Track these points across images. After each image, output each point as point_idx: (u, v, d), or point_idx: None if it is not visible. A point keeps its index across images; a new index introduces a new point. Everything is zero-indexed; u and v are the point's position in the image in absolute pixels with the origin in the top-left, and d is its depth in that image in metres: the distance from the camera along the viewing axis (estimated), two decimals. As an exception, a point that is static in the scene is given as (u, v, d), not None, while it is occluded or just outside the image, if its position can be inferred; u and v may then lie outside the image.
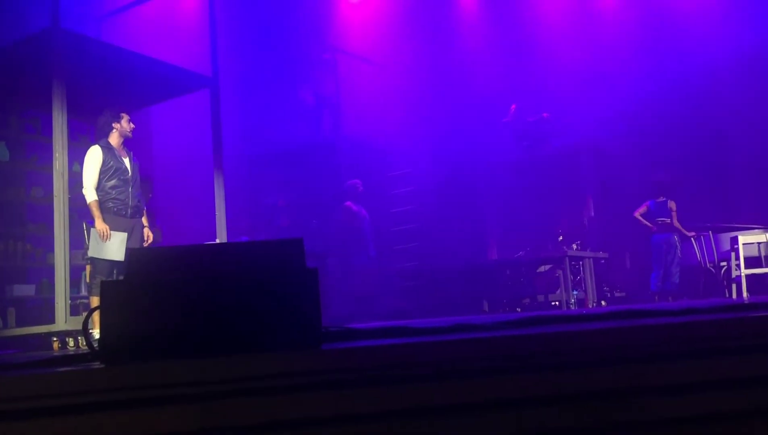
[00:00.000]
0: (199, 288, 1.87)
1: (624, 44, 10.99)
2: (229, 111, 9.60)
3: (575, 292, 8.83)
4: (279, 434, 1.62)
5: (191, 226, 8.96)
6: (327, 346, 1.95)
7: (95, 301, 5.18)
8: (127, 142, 5.57)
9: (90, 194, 5.21)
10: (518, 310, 8.94)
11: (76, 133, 7.24)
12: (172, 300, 1.84)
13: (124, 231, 5.26)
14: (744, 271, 8.04)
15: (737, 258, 8.12)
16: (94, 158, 5.27)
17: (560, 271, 8.66)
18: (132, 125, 5.52)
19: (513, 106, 10.90)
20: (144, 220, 5.54)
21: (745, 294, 7.92)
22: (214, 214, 6.59)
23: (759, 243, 8.18)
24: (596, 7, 11.80)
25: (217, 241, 6.41)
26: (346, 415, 1.64)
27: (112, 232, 5.17)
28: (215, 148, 6.70)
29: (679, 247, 8.61)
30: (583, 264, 8.88)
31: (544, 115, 10.91)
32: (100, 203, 5.23)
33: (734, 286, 8.22)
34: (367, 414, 1.65)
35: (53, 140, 5.40)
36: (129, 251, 2.04)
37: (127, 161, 5.43)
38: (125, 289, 1.88)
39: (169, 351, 1.78)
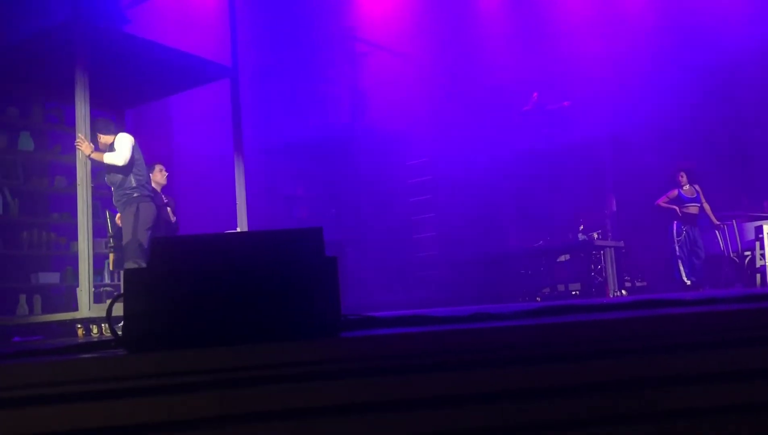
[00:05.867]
0: (219, 276, 1.89)
1: (644, 34, 10.83)
2: (249, 101, 9.64)
3: (597, 281, 8.77)
4: (298, 421, 1.64)
5: (211, 215, 9.03)
6: (346, 334, 1.96)
7: None
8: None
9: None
10: (538, 299, 8.91)
11: (98, 123, 7.30)
12: (193, 288, 1.86)
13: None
14: (769, 261, 7.95)
15: (762, 247, 8.02)
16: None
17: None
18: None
19: (534, 95, 10.80)
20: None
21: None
22: (234, 203, 6.63)
23: (784, 232, 8.07)
24: (618, -6, 11.64)
25: (238, 229, 6.45)
26: (364, 403, 1.65)
27: None
28: (236, 137, 6.73)
29: (701, 236, 8.49)
30: (604, 253, 8.81)
31: (565, 103, 10.81)
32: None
33: (758, 276, 8.13)
34: (385, 402, 1.65)
35: (76, 130, 5.47)
36: (152, 240, 2.06)
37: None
38: (148, 276, 1.90)
39: (191, 339, 1.80)
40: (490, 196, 10.67)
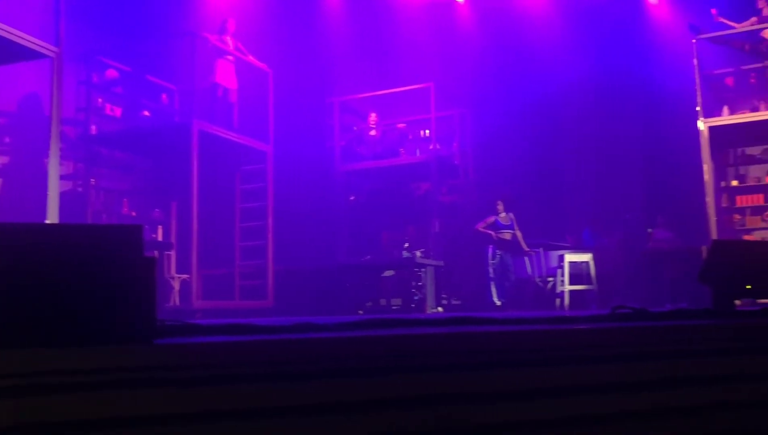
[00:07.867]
0: (21, 271, 1.71)
1: (471, 66, 11.64)
2: (74, 84, 8.90)
3: (416, 298, 9.14)
4: (100, 432, 1.52)
5: (21, 207, 8.20)
6: (161, 340, 1.86)
7: None
8: None
9: None
10: (360, 312, 9.08)
11: None
12: (-14, 283, 1.66)
13: None
14: (568, 287, 8.82)
15: (563, 274, 8.88)
16: None
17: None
18: None
19: (371, 114, 11.08)
20: None
21: (567, 307, 8.67)
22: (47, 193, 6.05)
23: (583, 262, 8.99)
24: (453, 23, 12.38)
25: (47, 222, 5.91)
26: (177, 414, 1.57)
27: None
28: (53, 122, 6.17)
29: (511, 261, 9.21)
30: (425, 271, 9.20)
31: (400, 125, 11.21)
32: None
33: (558, 300, 8.97)
34: (198, 414, 1.58)
35: None
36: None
37: None
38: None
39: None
40: (322, 208, 10.76)
